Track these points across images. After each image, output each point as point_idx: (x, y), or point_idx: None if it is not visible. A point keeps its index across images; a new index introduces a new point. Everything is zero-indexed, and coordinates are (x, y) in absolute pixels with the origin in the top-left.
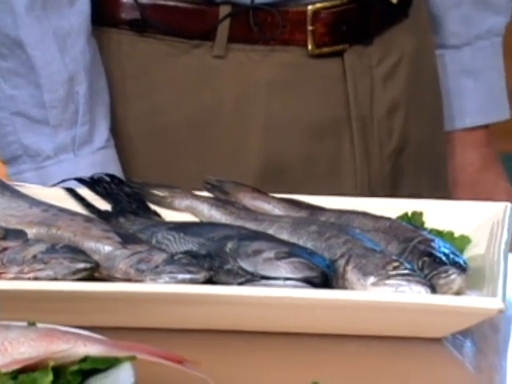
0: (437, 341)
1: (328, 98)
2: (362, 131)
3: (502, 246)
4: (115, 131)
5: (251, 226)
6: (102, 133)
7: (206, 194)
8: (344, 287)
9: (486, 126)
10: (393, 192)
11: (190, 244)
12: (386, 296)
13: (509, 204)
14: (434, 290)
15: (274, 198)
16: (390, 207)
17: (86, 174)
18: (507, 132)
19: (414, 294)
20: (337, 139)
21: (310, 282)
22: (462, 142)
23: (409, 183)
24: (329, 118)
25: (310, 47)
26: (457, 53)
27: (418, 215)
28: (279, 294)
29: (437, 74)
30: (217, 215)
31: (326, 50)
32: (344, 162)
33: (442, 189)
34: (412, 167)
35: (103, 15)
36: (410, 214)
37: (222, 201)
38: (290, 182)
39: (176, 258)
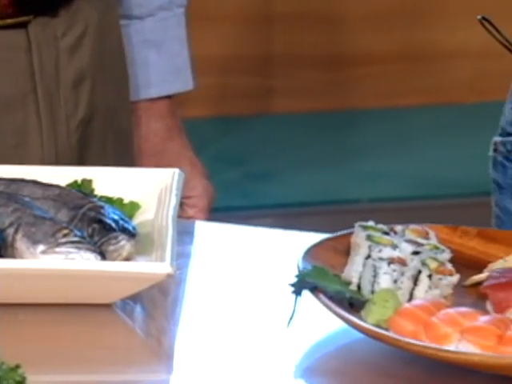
0: (107, 306)
1: (13, 69)
2: (48, 103)
3: (170, 212)
4: None
5: None
6: None
7: None
8: (13, 256)
9: (170, 97)
10: (80, 162)
11: None
12: (55, 264)
13: (177, 170)
14: (103, 256)
15: None
16: (60, 175)
17: None
18: (188, 98)
19: (83, 260)
20: (23, 112)
21: None
22: (146, 112)
23: (96, 153)
24: (14, 90)
25: None
26: (140, 23)
27: (87, 182)
28: None
29: (122, 44)
30: None
31: (9, 21)
32: (31, 134)
33: (128, 158)
34: (99, 138)
35: None
36: (79, 182)
37: None
38: None
39: None
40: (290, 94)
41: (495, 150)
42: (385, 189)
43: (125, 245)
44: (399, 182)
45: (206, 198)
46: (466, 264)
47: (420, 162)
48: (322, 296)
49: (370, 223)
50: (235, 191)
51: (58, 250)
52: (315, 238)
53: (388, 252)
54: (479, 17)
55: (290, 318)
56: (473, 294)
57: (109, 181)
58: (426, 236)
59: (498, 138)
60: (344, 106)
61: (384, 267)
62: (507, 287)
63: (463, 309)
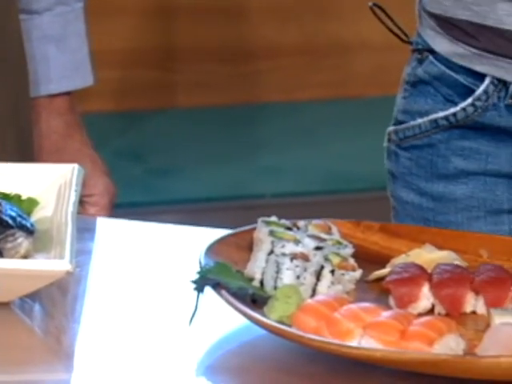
0: (4, 305)
1: None
2: None
3: (70, 208)
4: None
5: None
6: None
7: None
8: None
9: (69, 93)
10: None
11: None
12: None
13: (76, 165)
14: (0, 254)
15: None
16: None
17: None
18: (88, 93)
19: None
20: None
21: None
22: (46, 108)
23: None
24: None
25: None
26: (39, 18)
27: None
28: None
29: (21, 40)
30: None
31: None
32: None
33: (27, 156)
34: None
35: None
36: None
37: None
38: None
39: None
40: (192, 88)
41: (389, 140)
42: (288, 184)
43: (22, 242)
44: (302, 177)
45: (108, 196)
46: (368, 259)
47: (323, 157)
48: (224, 292)
49: (273, 218)
50: (137, 187)
51: None
52: (218, 233)
53: (291, 247)
54: (370, 4)
55: (192, 315)
56: (375, 290)
57: (6, 176)
58: (329, 231)
59: (391, 128)
60: (247, 100)
61: (287, 263)
62: (409, 282)
63: (366, 304)
